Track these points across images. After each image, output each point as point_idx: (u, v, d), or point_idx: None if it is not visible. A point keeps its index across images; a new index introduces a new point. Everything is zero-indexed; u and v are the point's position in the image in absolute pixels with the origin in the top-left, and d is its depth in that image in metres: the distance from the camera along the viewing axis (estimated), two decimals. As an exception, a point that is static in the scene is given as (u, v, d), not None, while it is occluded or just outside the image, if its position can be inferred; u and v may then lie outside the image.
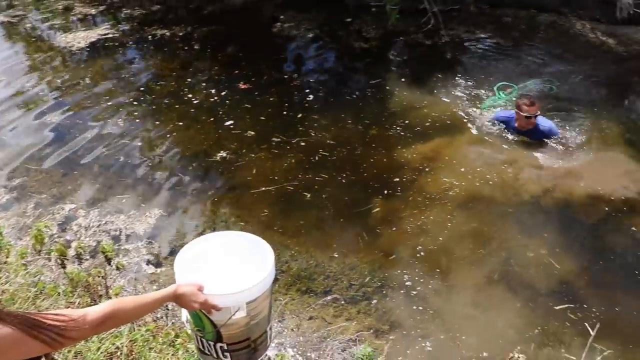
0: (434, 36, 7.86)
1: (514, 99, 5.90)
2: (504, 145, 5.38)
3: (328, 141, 5.54)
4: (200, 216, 4.68)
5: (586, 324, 3.38)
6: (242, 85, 6.59)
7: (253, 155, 5.35)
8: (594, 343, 2.94)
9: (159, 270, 4.11)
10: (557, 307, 3.79)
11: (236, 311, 2.03)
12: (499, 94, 6.21)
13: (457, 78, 6.74)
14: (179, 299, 1.93)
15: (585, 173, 5.01)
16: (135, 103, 6.38)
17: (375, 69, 7.13)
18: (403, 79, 6.74)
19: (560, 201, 4.73)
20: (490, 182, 4.91)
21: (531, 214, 4.63)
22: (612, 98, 6.45)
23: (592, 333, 2.80)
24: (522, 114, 5.28)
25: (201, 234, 4.14)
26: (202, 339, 2.15)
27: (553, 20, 8.20)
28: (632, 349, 3.48)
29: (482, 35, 8.04)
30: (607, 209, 4.61)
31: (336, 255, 4.28)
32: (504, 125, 5.58)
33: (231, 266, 2.15)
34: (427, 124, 5.78)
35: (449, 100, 6.20)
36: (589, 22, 8.05)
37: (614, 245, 4.32)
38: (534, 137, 5.39)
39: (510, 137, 5.49)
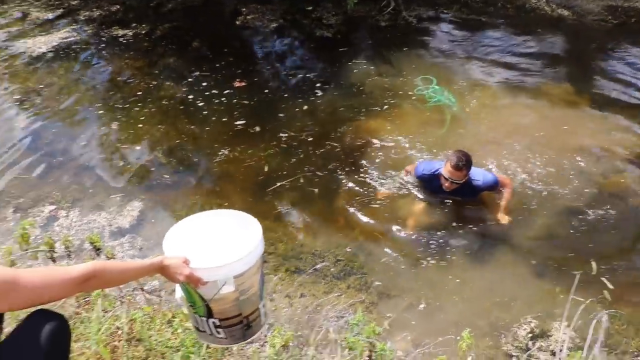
0: (397, 18, 8.06)
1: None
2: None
3: (333, 134, 5.58)
4: (183, 208, 4.70)
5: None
6: (237, 84, 6.57)
7: (261, 153, 5.33)
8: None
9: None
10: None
11: (223, 285, 2.05)
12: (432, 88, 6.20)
13: (422, 59, 7.00)
14: (164, 270, 1.98)
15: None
16: (104, 103, 6.34)
17: (344, 57, 7.20)
18: (372, 67, 6.89)
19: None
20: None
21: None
22: (571, 70, 6.77)
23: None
24: (442, 174, 4.28)
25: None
26: (196, 315, 2.20)
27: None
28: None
29: (445, 14, 8.27)
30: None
31: (321, 235, 4.38)
32: (425, 184, 4.61)
33: (220, 243, 2.17)
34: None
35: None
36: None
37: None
38: (468, 197, 4.50)
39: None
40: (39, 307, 1.81)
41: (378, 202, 4.62)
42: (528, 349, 3.35)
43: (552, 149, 5.19)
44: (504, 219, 4.33)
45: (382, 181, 4.83)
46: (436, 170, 4.36)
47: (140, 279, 3.21)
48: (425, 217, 4.45)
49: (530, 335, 3.47)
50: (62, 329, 1.80)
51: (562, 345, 2.99)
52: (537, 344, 3.38)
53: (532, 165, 4.96)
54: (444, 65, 6.93)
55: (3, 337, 1.78)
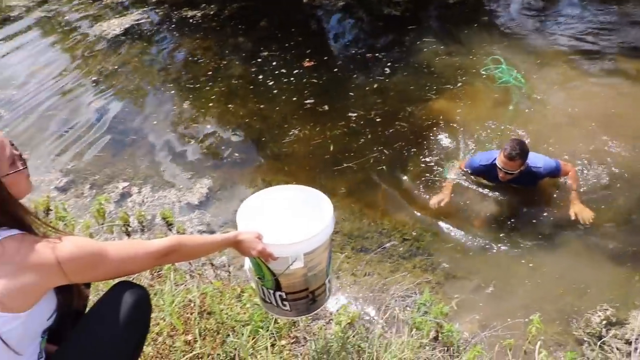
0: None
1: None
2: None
3: (402, 113, 5.49)
4: (250, 185, 4.79)
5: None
6: (306, 63, 6.60)
7: (329, 132, 5.33)
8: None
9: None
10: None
11: (293, 261, 2.09)
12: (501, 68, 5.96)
13: (492, 36, 6.84)
14: (238, 245, 2.02)
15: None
16: (175, 83, 6.52)
17: (412, 35, 7.10)
18: (442, 46, 6.74)
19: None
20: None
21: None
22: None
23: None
24: (496, 164, 4.10)
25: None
26: (263, 288, 2.25)
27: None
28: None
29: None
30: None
31: (386, 215, 4.36)
32: (484, 175, 4.42)
33: (291, 218, 2.21)
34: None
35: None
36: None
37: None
38: (528, 185, 4.30)
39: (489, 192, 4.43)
40: (122, 279, 1.89)
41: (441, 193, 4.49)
42: (601, 337, 3.25)
43: (630, 129, 4.93)
44: (582, 212, 4.03)
45: (449, 164, 4.74)
46: (494, 160, 4.16)
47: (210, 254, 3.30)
48: (491, 210, 4.33)
49: (604, 322, 3.35)
50: (144, 300, 1.86)
51: None
52: (612, 332, 3.27)
53: (609, 147, 4.74)
54: (516, 41, 6.71)
55: (89, 306, 1.87)
